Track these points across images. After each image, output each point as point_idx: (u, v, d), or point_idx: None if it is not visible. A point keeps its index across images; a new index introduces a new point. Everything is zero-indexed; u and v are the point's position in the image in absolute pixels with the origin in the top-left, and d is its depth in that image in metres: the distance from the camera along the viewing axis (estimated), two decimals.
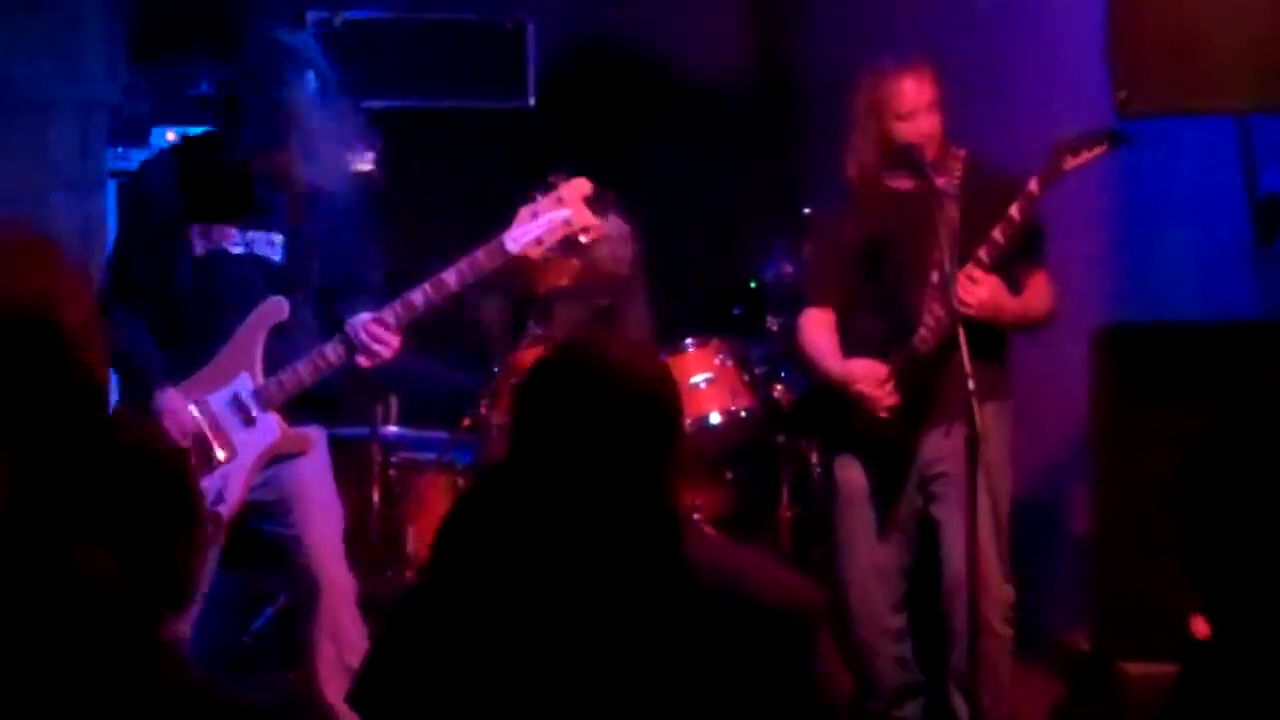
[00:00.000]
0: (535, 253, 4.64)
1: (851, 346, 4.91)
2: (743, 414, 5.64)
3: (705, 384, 5.63)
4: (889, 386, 4.79)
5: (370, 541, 5.72)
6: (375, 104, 6.40)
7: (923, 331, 4.76)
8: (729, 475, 5.93)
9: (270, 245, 4.59)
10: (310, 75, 4.50)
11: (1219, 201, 5.14)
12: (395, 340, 4.56)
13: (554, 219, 4.63)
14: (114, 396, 4.59)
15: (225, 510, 4.49)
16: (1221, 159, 5.04)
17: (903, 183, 4.82)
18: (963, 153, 4.81)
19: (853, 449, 4.92)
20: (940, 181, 4.67)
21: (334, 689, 4.54)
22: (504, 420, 5.39)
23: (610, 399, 2.56)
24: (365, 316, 4.56)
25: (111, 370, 4.52)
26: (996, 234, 4.64)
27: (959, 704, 4.80)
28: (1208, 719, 2.36)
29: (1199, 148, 5.10)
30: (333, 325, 4.61)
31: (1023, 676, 4.93)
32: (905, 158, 4.74)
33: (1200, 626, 2.47)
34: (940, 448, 4.79)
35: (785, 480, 5.91)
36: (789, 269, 6.12)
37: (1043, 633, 5.25)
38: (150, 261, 4.59)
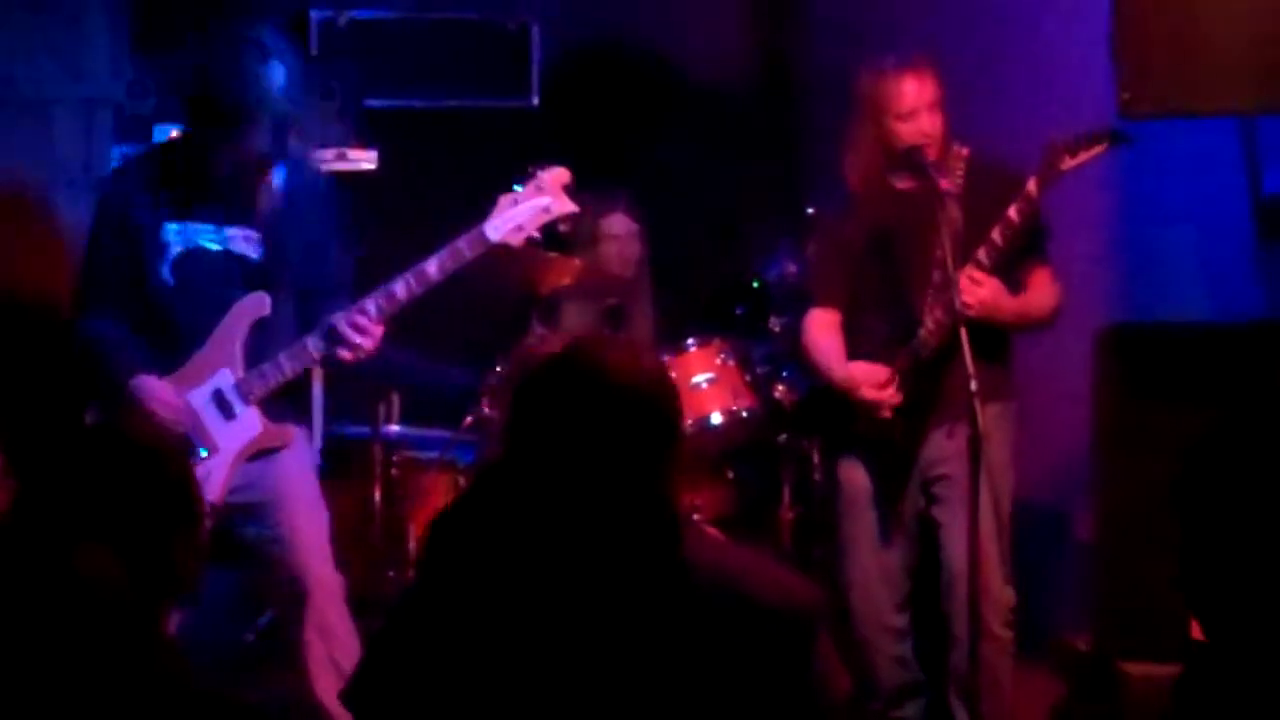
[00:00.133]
0: (516, 240, 4.63)
1: (857, 345, 4.90)
2: (744, 414, 5.64)
3: (707, 384, 5.63)
4: (891, 388, 4.79)
5: (372, 541, 5.72)
6: (379, 103, 6.42)
7: (923, 333, 4.75)
8: (730, 475, 5.93)
9: (247, 242, 4.59)
10: (276, 67, 4.50)
11: (1222, 202, 5.14)
12: (378, 331, 4.54)
13: (534, 206, 4.63)
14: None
15: (207, 505, 4.49)
16: (1225, 160, 5.04)
17: (905, 182, 4.82)
18: (965, 151, 4.79)
19: (856, 450, 4.91)
20: (945, 185, 4.65)
21: (325, 687, 4.53)
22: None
23: (607, 400, 2.56)
24: (347, 310, 4.55)
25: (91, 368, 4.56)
26: (995, 236, 4.63)
27: (958, 707, 4.79)
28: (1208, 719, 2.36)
29: (1203, 148, 5.10)
30: (312, 325, 4.60)
31: (1024, 677, 4.92)
32: (908, 161, 4.73)
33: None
34: (943, 449, 4.78)
35: (786, 480, 5.91)
36: (791, 269, 6.12)
37: (1044, 633, 5.25)
38: (127, 261, 4.59)
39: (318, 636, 4.57)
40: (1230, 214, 5.11)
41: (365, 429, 5.85)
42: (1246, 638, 2.33)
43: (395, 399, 6.13)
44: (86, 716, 2.38)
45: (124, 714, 2.40)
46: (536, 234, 4.68)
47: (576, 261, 5.70)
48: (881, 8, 6.54)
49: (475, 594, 2.55)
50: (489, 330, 5.91)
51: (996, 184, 4.69)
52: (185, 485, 2.77)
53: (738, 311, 6.37)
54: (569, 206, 4.69)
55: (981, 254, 4.64)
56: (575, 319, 5.96)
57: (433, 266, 4.55)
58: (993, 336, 4.71)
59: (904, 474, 4.85)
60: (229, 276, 4.58)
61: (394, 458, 5.84)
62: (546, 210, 4.65)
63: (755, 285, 6.38)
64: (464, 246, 4.58)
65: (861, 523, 4.91)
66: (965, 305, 4.55)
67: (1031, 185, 4.59)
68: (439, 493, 5.67)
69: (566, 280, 5.63)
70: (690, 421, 5.56)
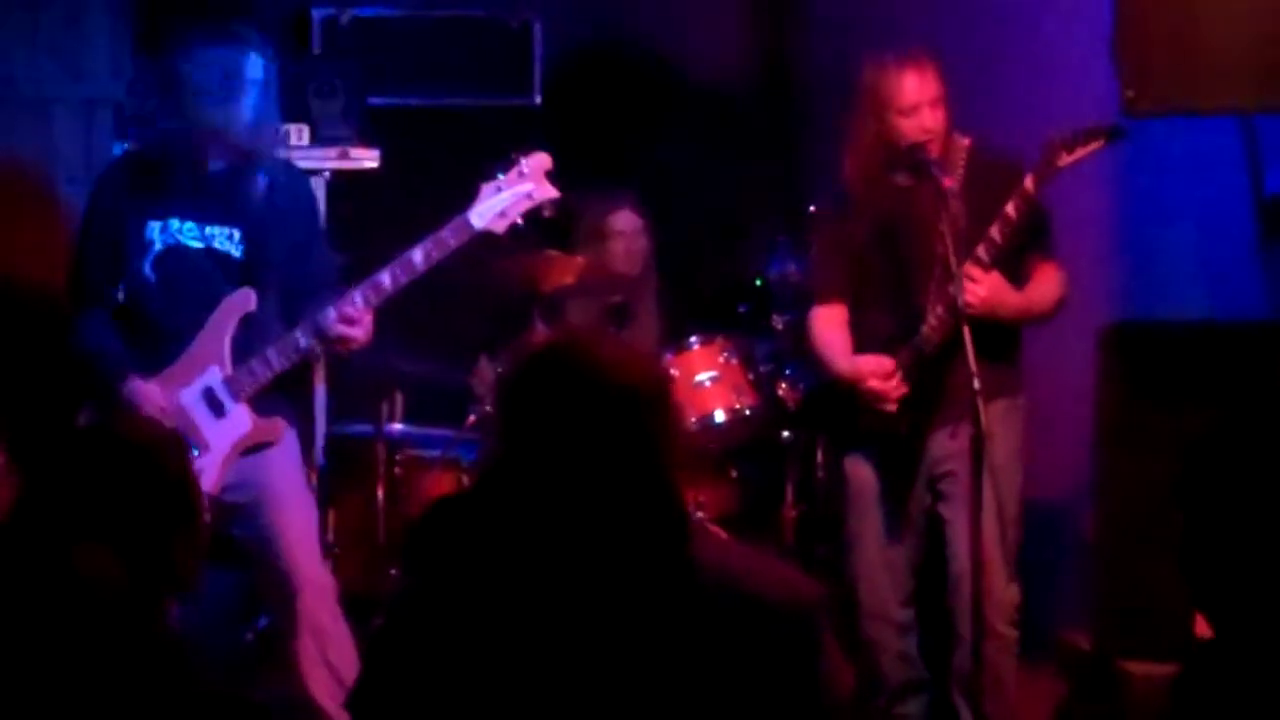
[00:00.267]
0: (500, 227, 4.63)
1: (860, 341, 4.89)
2: (747, 412, 5.64)
3: (710, 382, 5.63)
4: (896, 379, 4.78)
5: (376, 540, 5.71)
6: (381, 101, 6.41)
7: (926, 329, 4.74)
8: (733, 473, 5.93)
9: (230, 240, 4.60)
10: (255, 64, 4.51)
11: (1224, 201, 5.14)
12: (367, 319, 4.54)
13: (517, 193, 4.64)
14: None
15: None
16: (1227, 158, 5.04)
17: (906, 178, 4.81)
18: (966, 142, 4.76)
19: (863, 446, 4.90)
20: (947, 183, 4.63)
21: (319, 686, 4.54)
22: None
23: (591, 391, 2.54)
24: (334, 301, 4.56)
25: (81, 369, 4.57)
26: (994, 233, 4.61)
27: (961, 704, 4.79)
28: (1208, 719, 2.36)
29: (1204, 148, 5.10)
30: (296, 326, 4.60)
31: (1026, 675, 4.92)
32: (909, 158, 4.72)
33: (1204, 625, 2.46)
34: (948, 446, 4.77)
35: (790, 478, 5.91)
36: (793, 267, 6.12)
37: (1046, 632, 5.24)
38: (111, 261, 4.60)
39: (310, 637, 4.57)
40: (1231, 214, 5.11)
41: (369, 428, 5.85)
42: (1251, 632, 2.33)
43: (398, 398, 6.12)
44: (88, 716, 2.38)
45: (125, 713, 2.41)
46: (520, 220, 4.68)
47: (579, 260, 5.70)
48: (881, 7, 6.54)
49: (477, 594, 2.55)
50: (491, 329, 5.91)
51: (998, 176, 4.67)
52: (184, 483, 2.78)
53: (740, 310, 6.37)
54: (551, 192, 4.69)
55: (981, 251, 4.62)
56: (579, 317, 5.96)
57: (418, 255, 4.56)
58: (1000, 333, 4.70)
59: (911, 471, 4.84)
60: (211, 274, 4.59)
61: (397, 457, 5.84)
62: (529, 196, 4.65)
63: (757, 283, 6.38)
64: (448, 235, 4.58)
65: (868, 519, 4.90)
66: (966, 304, 4.54)
67: (1028, 182, 4.58)
68: (443, 491, 5.66)
69: (569, 279, 5.63)
70: (694, 420, 5.57)
